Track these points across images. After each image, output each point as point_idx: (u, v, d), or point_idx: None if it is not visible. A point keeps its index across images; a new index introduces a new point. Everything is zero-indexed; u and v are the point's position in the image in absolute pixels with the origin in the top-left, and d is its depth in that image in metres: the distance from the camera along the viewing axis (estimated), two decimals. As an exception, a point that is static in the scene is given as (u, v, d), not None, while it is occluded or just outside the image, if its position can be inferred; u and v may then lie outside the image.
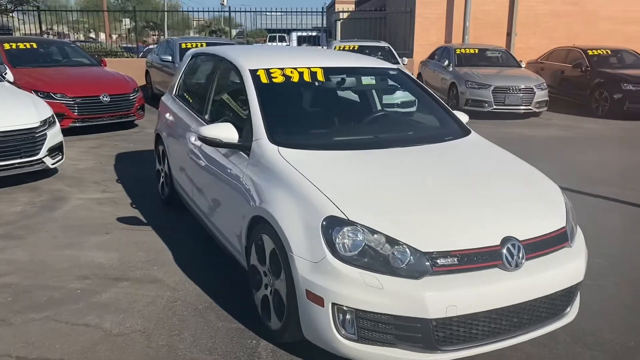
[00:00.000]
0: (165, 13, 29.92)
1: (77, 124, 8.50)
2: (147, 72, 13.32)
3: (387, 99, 4.54)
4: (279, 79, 3.70)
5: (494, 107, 11.10)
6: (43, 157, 5.84)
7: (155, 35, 43.95)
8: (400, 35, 17.63)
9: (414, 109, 4.33)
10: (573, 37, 16.15)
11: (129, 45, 21.28)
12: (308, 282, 2.58)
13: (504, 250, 2.57)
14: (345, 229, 2.55)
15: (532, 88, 11.12)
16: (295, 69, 3.80)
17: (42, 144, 5.82)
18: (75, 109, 8.44)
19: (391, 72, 4.24)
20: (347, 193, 2.75)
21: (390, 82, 4.29)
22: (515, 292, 2.56)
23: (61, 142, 6.21)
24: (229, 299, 3.45)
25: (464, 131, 3.75)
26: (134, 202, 5.39)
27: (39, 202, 5.38)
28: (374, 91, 4.38)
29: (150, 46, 20.69)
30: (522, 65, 12.67)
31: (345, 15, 21.27)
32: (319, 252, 2.56)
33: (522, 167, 3.37)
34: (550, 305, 2.72)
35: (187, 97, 4.75)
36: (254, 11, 19.56)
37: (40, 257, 4.07)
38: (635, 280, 3.81)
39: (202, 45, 12.03)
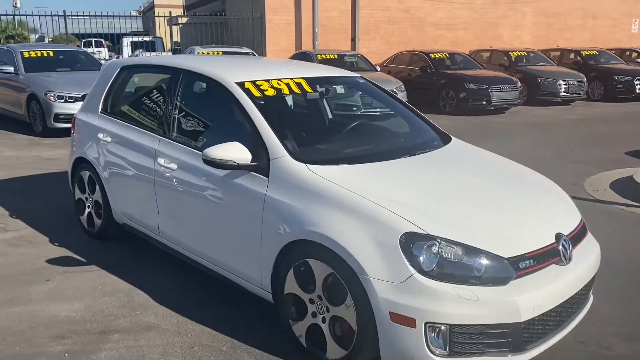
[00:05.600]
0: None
1: None
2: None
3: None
4: (270, 91, 3.46)
5: (362, 110, 11.64)
6: None
7: None
8: (247, 40, 17.58)
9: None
10: (407, 42, 17.70)
11: None
12: (392, 303, 2.47)
13: (560, 247, 2.74)
14: (426, 244, 2.50)
15: (394, 90, 11.88)
16: (279, 80, 3.59)
17: None
18: None
19: (359, 81, 4.23)
20: (408, 205, 2.69)
21: (357, 91, 4.28)
22: (573, 283, 2.75)
23: None
24: (249, 334, 3.14)
25: (445, 136, 3.88)
26: (53, 239, 4.60)
27: None
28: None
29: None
30: (377, 69, 13.48)
31: (185, 19, 20.59)
32: (403, 271, 2.47)
33: (519, 168, 3.59)
34: (586, 291, 2.98)
35: (130, 114, 4.19)
36: (61, 15, 17.40)
37: (-18, 320, 3.29)
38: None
39: (49, 53, 10.77)
